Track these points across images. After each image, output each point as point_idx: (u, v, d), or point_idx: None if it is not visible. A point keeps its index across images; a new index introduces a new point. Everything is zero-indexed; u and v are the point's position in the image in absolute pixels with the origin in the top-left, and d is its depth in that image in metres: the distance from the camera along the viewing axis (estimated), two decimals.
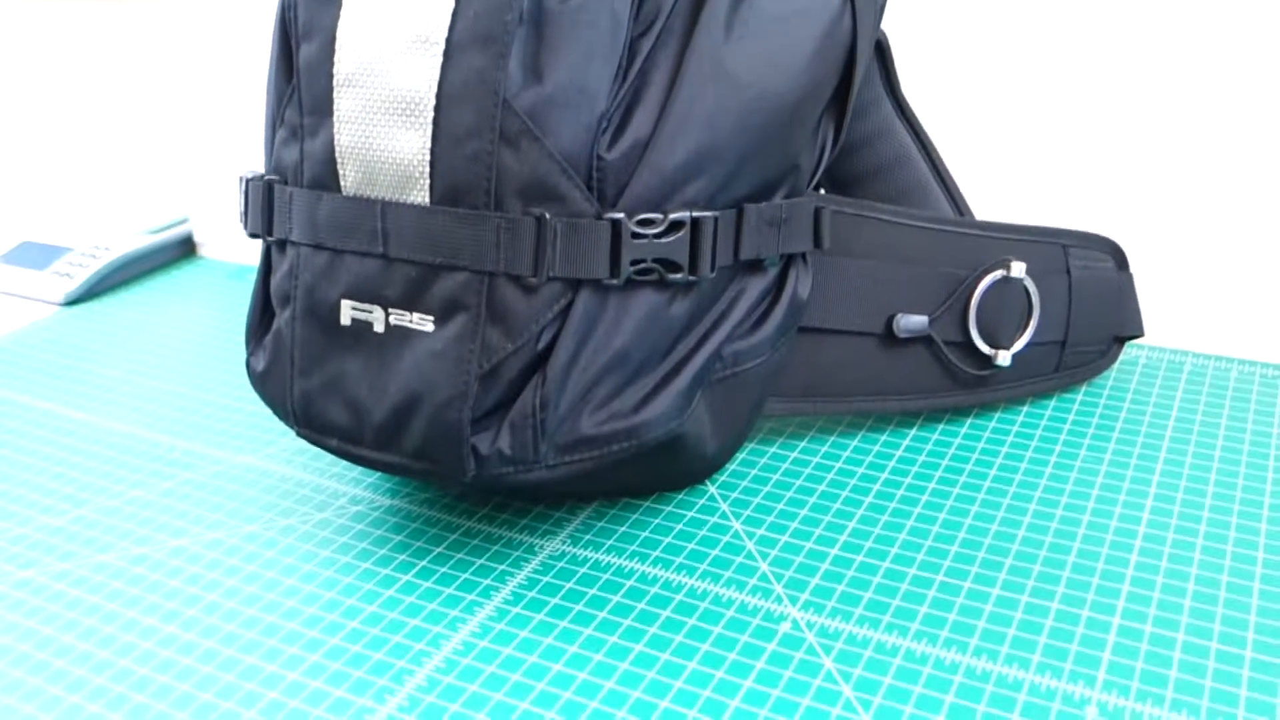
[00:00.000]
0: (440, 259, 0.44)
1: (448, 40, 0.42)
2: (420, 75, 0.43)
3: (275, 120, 0.48)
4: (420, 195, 0.44)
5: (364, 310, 0.46)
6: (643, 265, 0.44)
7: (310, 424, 0.48)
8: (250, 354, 0.51)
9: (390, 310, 0.45)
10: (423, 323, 0.45)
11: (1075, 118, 0.70)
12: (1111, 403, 0.60)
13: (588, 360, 0.45)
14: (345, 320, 0.46)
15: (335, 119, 0.45)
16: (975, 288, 0.56)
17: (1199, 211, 0.69)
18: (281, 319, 0.48)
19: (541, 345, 0.44)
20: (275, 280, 0.48)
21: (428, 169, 0.43)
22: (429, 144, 0.43)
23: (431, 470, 0.46)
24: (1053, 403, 0.61)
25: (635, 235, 0.43)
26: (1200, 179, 0.69)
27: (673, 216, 0.44)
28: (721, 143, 0.45)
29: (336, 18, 0.45)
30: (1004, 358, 0.57)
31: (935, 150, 0.59)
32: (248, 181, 0.49)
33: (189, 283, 0.85)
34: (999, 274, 0.56)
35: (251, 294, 0.51)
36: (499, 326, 0.44)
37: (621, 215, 0.43)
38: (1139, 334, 0.62)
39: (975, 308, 0.56)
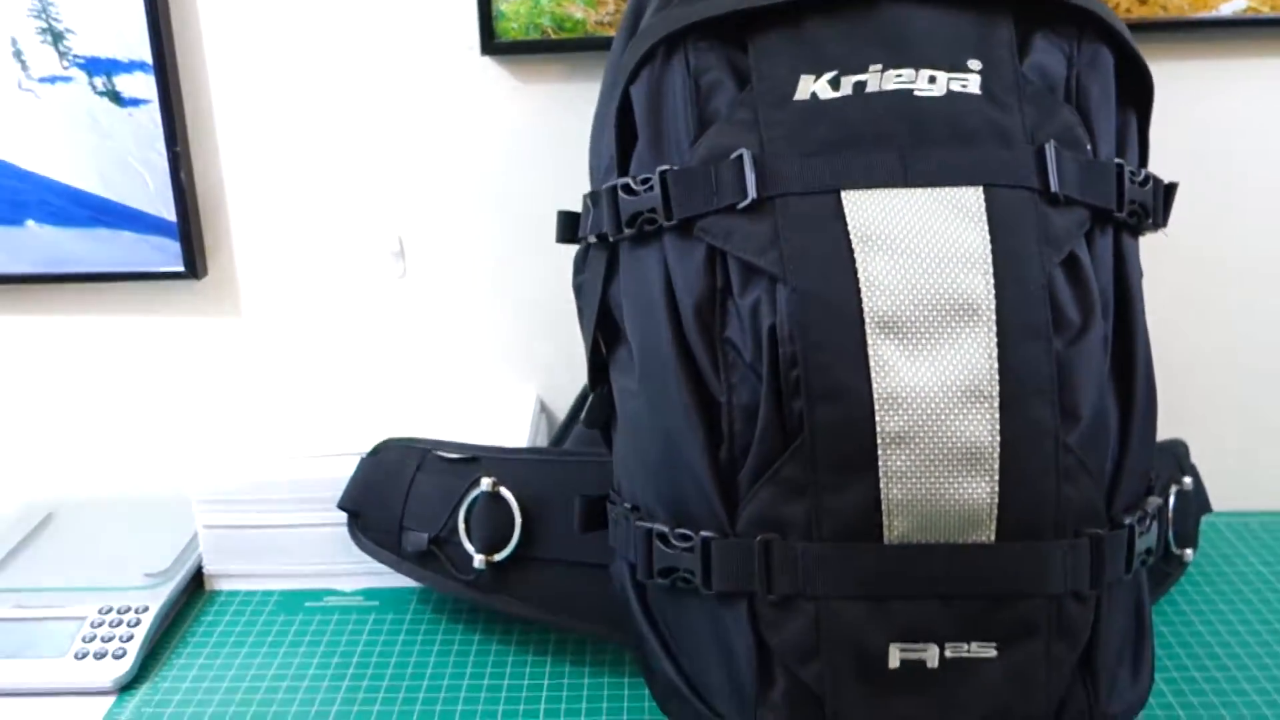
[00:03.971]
0: (1008, 590, 0.48)
1: (1001, 393, 0.47)
2: (979, 428, 0.47)
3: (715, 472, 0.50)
4: (985, 535, 0.48)
5: (916, 650, 0.48)
6: (1143, 557, 0.53)
7: None
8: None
9: (946, 645, 0.48)
10: (983, 650, 0.48)
11: None
12: None
13: (1115, 648, 0.51)
14: (894, 663, 0.48)
15: (882, 474, 0.47)
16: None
17: None
18: (805, 673, 0.49)
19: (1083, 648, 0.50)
20: (782, 636, 0.49)
21: (994, 510, 0.47)
22: (996, 489, 0.47)
23: None
24: None
25: (1138, 533, 0.52)
26: None
27: (1151, 508, 0.53)
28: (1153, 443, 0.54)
29: (868, 379, 0.47)
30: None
31: None
32: (705, 540, 0.50)
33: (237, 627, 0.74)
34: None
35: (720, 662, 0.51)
36: (1065, 641, 0.49)
37: (1132, 522, 0.51)
38: None
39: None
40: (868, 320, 0.48)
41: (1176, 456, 0.71)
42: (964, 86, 0.51)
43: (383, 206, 0.85)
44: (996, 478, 0.47)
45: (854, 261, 0.48)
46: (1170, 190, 0.56)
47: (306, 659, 0.70)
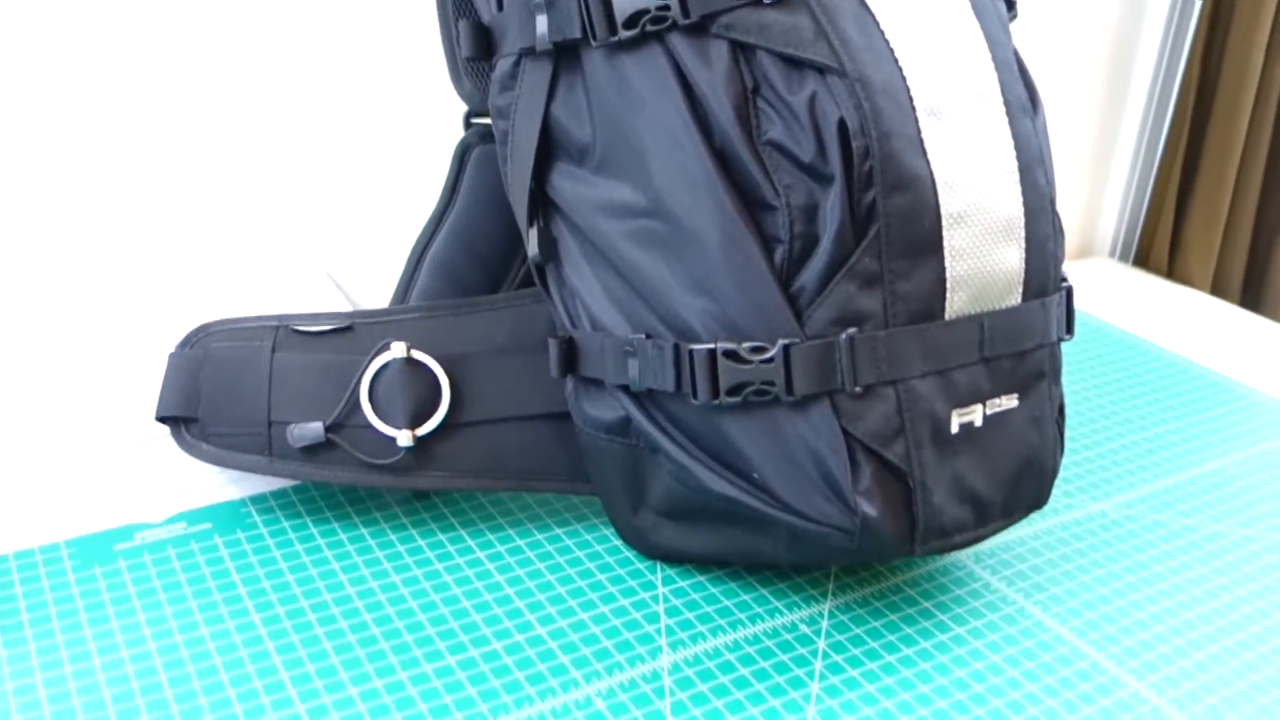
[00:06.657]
0: (1029, 344, 0.53)
1: (1018, 168, 0.51)
2: (1011, 199, 0.51)
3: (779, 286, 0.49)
4: (1013, 298, 0.52)
5: (968, 413, 0.51)
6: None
7: (938, 535, 0.51)
8: (850, 508, 0.49)
9: (986, 403, 0.52)
10: (1009, 401, 0.53)
11: None
12: None
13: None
14: (954, 429, 0.51)
15: (947, 254, 0.49)
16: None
17: None
18: (891, 454, 0.50)
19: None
20: (866, 424, 0.49)
21: (1023, 274, 0.52)
22: (1024, 253, 0.52)
23: (1021, 518, 0.55)
24: None
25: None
26: None
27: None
28: None
29: (928, 164, 0.48)
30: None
31: None
32: (786, 347, 0.49)
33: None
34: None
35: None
36: (1054, 381, 0.55)
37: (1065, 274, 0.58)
38: None
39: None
40: (918, 107, 0.48)
41: None
42: None
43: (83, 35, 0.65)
44: (1024, 244, 0.52)
45: (892, 51, 0.48)
46: None
47: (158, 619, 0.55)
